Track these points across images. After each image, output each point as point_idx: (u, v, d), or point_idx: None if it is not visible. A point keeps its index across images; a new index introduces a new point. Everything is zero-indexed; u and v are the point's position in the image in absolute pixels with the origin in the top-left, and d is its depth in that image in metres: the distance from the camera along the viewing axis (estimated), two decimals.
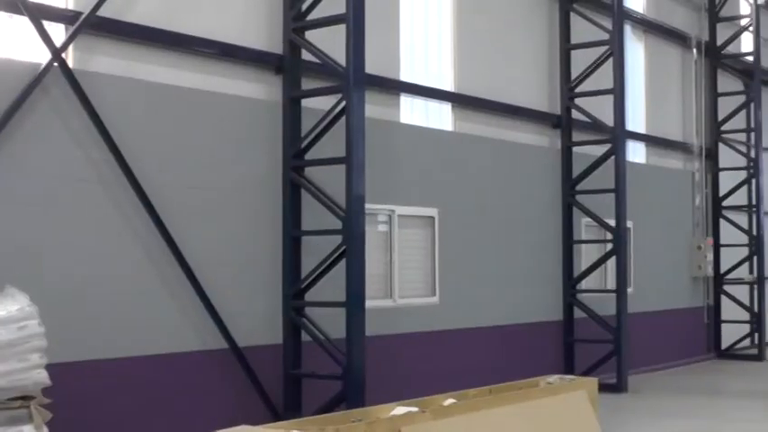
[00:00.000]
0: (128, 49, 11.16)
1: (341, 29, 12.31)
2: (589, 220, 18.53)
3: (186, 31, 11.70)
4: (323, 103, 12.73)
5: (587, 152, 18.45)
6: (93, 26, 10.72)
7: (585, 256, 18.87)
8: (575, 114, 18.49)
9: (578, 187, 18.36)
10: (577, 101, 18.42)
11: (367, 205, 12.51)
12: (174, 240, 11.28)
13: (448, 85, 16.14)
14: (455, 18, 16.26)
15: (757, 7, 24.39)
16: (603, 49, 18.16)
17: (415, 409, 9.40)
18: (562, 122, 18.37)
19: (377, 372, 13.10)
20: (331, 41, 12.65)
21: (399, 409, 9.41)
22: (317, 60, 12.73)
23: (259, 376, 12.24)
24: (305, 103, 12.93)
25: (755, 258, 24.17)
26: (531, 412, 10.70)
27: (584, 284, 18.65)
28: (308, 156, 12.76)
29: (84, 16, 10.57)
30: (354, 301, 12.06)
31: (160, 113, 11.44)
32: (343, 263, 12.20)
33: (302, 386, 12.66)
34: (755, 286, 24.27)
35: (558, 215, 18.28)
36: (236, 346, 11.97)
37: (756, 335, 24.10)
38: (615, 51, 17.98)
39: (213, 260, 11.85)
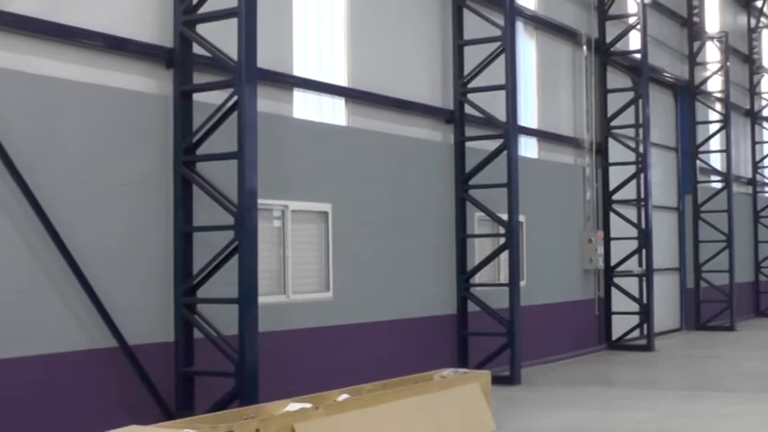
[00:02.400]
0: (12, 41, 10.89)
1: (233, 23, 12.20)
2: (482, 214, 18.67)
3: (74, 23, 11.46)
4: (215, 98, 12.61)
5: (480, 147, 18.59)
6: None
7: (479, 250, 19.00)
8: (467, 110, 18.60)
9: (471, 182, 18.48)
10: (470, 96, 18.54)
11: (260, 200, 12.43)
12: (61, 236, 11.04)
13: (341, 80, 16.11)
14: (348, 13, 16.24)
15: (644, 6, 24.81)
16: (496, 45, 18.30)
17: (308, 405, 9.39)
18: (455, 118, 18.47)
19: (270, 368, 13.02)
20: (223, 35, 12.52)
21: (293, 406, 9.39)
22: (209, 54, 12.59)
23: (150, 375, 12.06)
24: (196, 97, 12.78)
25: (644, 251, 24.63)
26: (425, 406, 10.75)
27: (477, 278, 18.79)
28: (200, 151, 12.62)
29: None
30: (247, 297, 11.96)
31: (46, 107, 11.18)
32: (235, 259, 12.09)
33: (195, 384, 12.52)
34: (644, 278, 24.72)
35: (452, 209, 18.38)
36: (127, 345, 11.77)
37: (645, 326, 24.55)
38: (507, 48, 18.13)
39: (102, 257, 11.64)
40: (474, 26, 18.56)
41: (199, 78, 12.87)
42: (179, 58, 12.64)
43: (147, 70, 12.48)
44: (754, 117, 37.03)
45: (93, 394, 11.52)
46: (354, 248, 15.86)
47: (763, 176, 37.88)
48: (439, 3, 18.45)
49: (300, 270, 14.84)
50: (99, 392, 11.59)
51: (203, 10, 12.66)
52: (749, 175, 36.77)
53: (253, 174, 12.06)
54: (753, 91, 37.08)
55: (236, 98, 12.16)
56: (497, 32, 18.24)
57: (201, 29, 12.73)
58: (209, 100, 12.69)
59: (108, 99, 11.91)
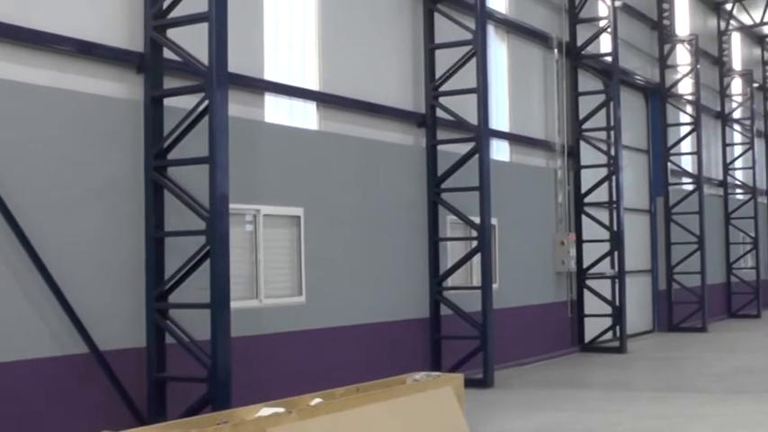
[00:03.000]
0: None
1: (203, 27, 12.17)
2: (454, 217, 18.70)
3: (44, 27, 11.41)
4: (186, 103, 12.58)
5: (452, 150, 18.61)
6: None
7: (451, 253, 19.02)
8: (439, 113, 18.62)
9: (443, 185, 18.50)
10: (442, 100, 18.56)
11: (231, 205, 12.41)
12: (31, 242, 10.98)
13: (313, 84, 16.09)
14: (319, 17, 16.23)
15: (615, 9, 24.93)
16: (467, 48, 18.34)
17: (281, 409, 9.36)
18: (427, 121, 18.49)
19: (243, 373, 13.00)
20: (194, 40, 12.49)
21: (265, 410, 9.35)
22: (180, 59, 12.56)
23: (122, 381, 12.01)
24: (167, 102, 12.74)
25: (616, 253, 24.71)
26: (398, 410, 10.74)
27: (450, 281, 18.81)
28: (171, 155, 12.58)
29: None
30: (219, 302, 11.93)
31: (15, 112, 11.11)
32: (207, 264, 12.06)
33: (167, 389, 12.47)
34: (616, 280, 24.80)
35: (424, 213, 18.40)
36: (98, 351, 11.72)
37: (618, 328, 24.63)
38: (478, 51, 18.17)
39: (73, 262, 11.59)
40: (445, 30, 18.59)
41: (169, 83, 12.83)
42: (149, 63, 12.60)
43: (118, 75, 12.44)
44: (724, 119, 37.25)
45: (65, 400, 11.46)
46: (327, 252, 15.84)
47: (734, 178, 38.11)
48: (410, 6, 18.47)
49: (273, 274, 14.82)
50: (70, 399, 11.53)
51: (174, 14, 12.63)
52: (720, 177, 36.99)
53: (224, 178, 12.03)
54: (723, 93, 37.31)
55: (207, 103, 12.13)
56: (468, 36, 18.28)
57: (172, 33, 12.69)
58: (180, 105, 12.66)
59: (78, 104, 11.86)
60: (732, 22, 38.12)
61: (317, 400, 10.05)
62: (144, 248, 12.49)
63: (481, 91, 18.19)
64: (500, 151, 21.70)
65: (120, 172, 12.33)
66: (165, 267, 12.56)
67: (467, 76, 18.27)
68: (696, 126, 31.83)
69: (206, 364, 11.96)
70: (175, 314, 12.50)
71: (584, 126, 24.73)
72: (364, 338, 16.61)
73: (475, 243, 18.47)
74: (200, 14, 12.23)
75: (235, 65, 13.00)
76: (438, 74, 18.60)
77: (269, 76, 15.11)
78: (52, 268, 11.21)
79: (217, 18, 12.07)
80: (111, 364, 11.88)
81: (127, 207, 12.38)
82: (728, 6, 37.59)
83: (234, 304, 12.42)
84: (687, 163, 32.67)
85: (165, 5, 12.61)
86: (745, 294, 36.97)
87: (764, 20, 38.60)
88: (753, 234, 37.42)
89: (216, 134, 11.98)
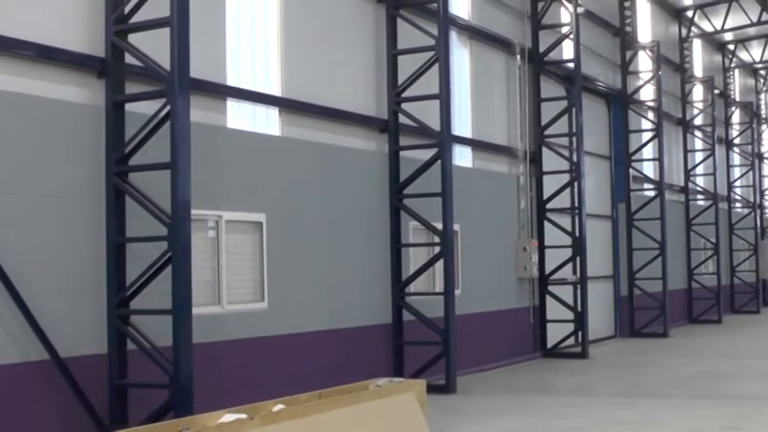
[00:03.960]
0: None
1: (165, 32, 12.12)
2: (417, 223, 18.70)
3: (2, 32, 11.33)
4: (147, 108, 12.52)
5: (414, 156, 18.63)
6: None
7: (414, 259, 19.03)
8: (402, 119, 18.64)
9: (406, 191, 18.51)
10: (404, 105, 18.57)
11: (193, 211, 12.37)
12: None
13: (275, 89, 16.07)
14: (282, 22, 16.21)
15: (577, 16, 25.06)
16: (429, 54, 18.35)
17: (243, 416, 9.32)
18: (389, 127, 18.49)
19: (205, 379, 12.95)
20: (155, 45, 12.45)
21: (228, 417, 9.31)
22: (141, 64, 12.51)
23: (83, 387, 11.93)
24: (129, 107, 12.68)
25: (578, 259, 24.80)
26: (361, 415, 10.73)
27: (412, 287, 18.80)
28: (133, 161, 12.53)
29: None
30: (181, 308, 11.87)
31: None
32: (169, 269, 12.01)
33: (129, 396, 12.40)
34: (578, 286, 24.89)
35: (386, 219, 18.39)
36: (59, 357, 11.64)
37: (580, 333, 24.71)
38: (441, 57, 18.19)
39: (33, 268, 11.51)
40: (408, 36, 18.61)
41: (131, 88, 12.77)
42: (111, 68, 12.54)
43: (79, 80, 12.38)
44: (685, 126, 37.54)
45: (24, 408, 11.38)
46: (289, 258, 15.82)
47: (695, 184, 38.37)
48: (373, 12, 18.48)
49: (235, 280, 14.78)
50: (30, 406, 11.44)
51: (135, 19, 12.57)
52: (681, 183, 37.25)
53: (186, 184, 11.98)
54: (684, 100, 37.61)
55: (168, 108, 12.08)
56: (431, 42, 18.29)
57: (134, 38, 12.64)
58: (141, 110, 12.59)
59: (38, 109, 11.79)
60: (693, 29, 38.43)
61: (280, 407, 10.01)
62: (105, 254, 12.42)
63: (444, 97, 18.21)
64: (462, 157, 21.74)
65: (81, 177, 12.26)
66: (127, 273, 12.50)
67: (429, 82, 18.29)
68: (658, 132, 32.05)
69: (168, 370, 11.90)
70: (137, 320, 12.44)
71: (547, 132, 24.80)
72: (327, 344, 16.59)
73: (437, 249, 18.49)
74: (162, 19, 12.18)
75: (197, 70, 12.96)
76: (401, 80, 18.62)
77: (231, 81, 15.07)
78: (12, 274, 11.13)
79: (179, 23, 12.02)
80: (72, 371, 11.80)
81: (88, 213, 12.31)
82: (690, 14, 37.89)
83: (196, 310, 12.36)
84: (649, 169, 32.85)
85: (127, 10, 12.56)
86: (705, 300, 37.27)
87: (725, 27, 38.90)
88: (713, 240, 37.71)
89: (178, 140, 11.93)
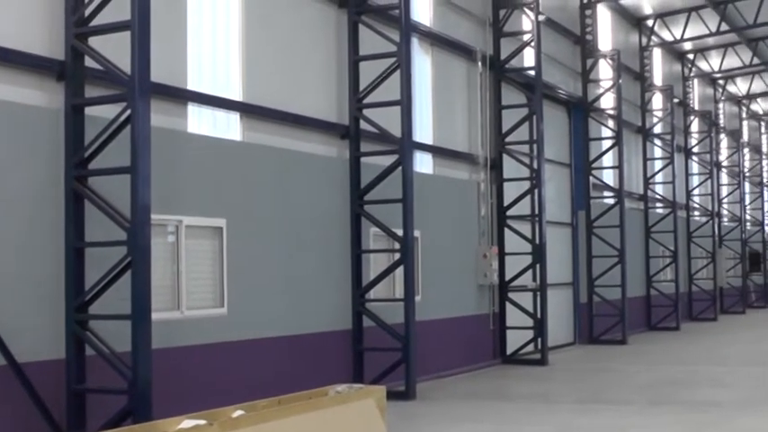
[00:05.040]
0: None
1: (126, 36, 12.06)
2: (377, 229, 18.71)
3: None
4: (107, 112, 12.45)
5: (375, 163, 18.63)
6: None
7: (374, 265, 19.03)
8: (363, 125, 18.63)
9: (366, 197, 18.50)
10: (366, 112, 18.57)
11: (153, 216, 12.30)
12: None
13: (236, 94, 16.02)
14: (243, 27, 16.17)
15: (538, 24, 25.16)
16: (391, 60, 18.37)
17: (203, 421, 9.29)
18: (350, 133, 18.49)
19: (164, 385, 12.89)
20: (116, 48, 12.38)
21: (187, 423, 9.27)
22: (101, 68, 12.44)
23: (41, 393, 11.84)
24: (88, 111, 12.62)
25: (538, 266, 24.88)
26: (321, 422, 10.72)
27: (372, 293, 18.78)
28: (92, 165, 12.46)
29: None
30: (140, 313, 11.81)
31: None
32: (128, 274, 11.94)
33: (87, 402, 12.32)
34: (538, 293, 24.98)
35: (347, 225, 18.38)
36: (15, 362, 11.54)
37: (539, 340, 24.78)
38: (402, 63, 18.20)
39: None
40: (370, 42, 18.62)
41: (91, 92, 12.71)
42: (70, 71, 12.47)
43: (37, 83, 12.29)
44: (645, 134, 37.79)
45: None
46: (249, 264, 15.77)
47: (655, 192, 38.62)
48: (334, 18, 18.48)
49: (194, 286, 14.71)
50: None
51: (96, 22, 12.51)
52: (641, 191, 37.48)
53: (146, 189, 11.92)
54: (644, 108, 37.86)
55: (129, 112, 12.02)
56: (393, 48, 18.31)
57: (94, 41, 12.57)
58: (101, 114, 12.53)
59: None
60: (653, 38, 38.68)
61: (239, 413, 9.98)
62: (64, 259, 12.33)
63: (405, 103, 18.22)
64: (423, 164, 21.78)
65: (39, 181, 12.17)
66: (86, 278, 12.42)
67: (391, 89, 18.30)
68: (618, 140, 32.25)
69: (126, 375, 11.82)
70: (96, 325, 12.36)
71: (508, 139, 24.88)
72: (286, 350, 16.55)
73: (398, 255, 18.50)
74: (123, 23, 12.12)
75: (157, 74, 12.90)
76: (362, 86, 18.62)
77: (192, 86, 15.02)
78: None
79: (139, 27, 11.96)
80: (29, 376, 11.71)
81: (47, 217, 12.23)
82: (650, 23, 38.14)
83: (155, 315, 12.30)
84: (609, 177, 33.04)
85: (87, 13, 12.49)
86: (664, 307, 37.52)
87: (685, 37, 39.20)
88: (672, 247, 37.95)
89: (138, 144, 11.87)
